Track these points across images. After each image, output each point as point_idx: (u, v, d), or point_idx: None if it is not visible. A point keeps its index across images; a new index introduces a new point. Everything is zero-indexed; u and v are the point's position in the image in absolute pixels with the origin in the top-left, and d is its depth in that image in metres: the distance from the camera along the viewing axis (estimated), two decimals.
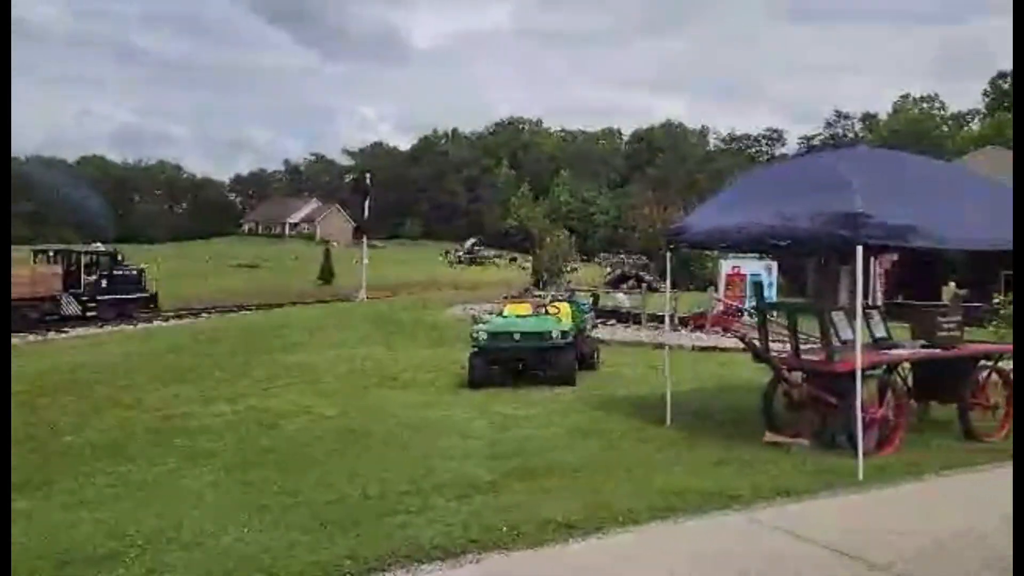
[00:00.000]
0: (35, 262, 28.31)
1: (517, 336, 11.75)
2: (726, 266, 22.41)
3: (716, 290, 22.50)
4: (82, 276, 28.26)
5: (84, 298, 27.81)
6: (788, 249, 9.27)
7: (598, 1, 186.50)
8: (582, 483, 6.39)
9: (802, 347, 8.20)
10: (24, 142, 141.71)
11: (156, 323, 27.83)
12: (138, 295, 30.07)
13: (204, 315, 30.71)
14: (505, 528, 5.13)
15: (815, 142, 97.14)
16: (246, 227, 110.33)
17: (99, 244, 31.82)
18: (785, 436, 7.70)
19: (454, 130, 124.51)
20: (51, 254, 29.19)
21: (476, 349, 11.76)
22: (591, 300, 19.21)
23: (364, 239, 45.92)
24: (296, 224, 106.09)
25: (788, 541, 5.18)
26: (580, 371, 12.04)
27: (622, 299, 23.96)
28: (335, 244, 71.77)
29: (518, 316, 12.67)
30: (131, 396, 11.03)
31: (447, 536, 5.04)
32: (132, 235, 73.50)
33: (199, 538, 5.10)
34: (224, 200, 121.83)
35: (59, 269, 27.73)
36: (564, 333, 11.79)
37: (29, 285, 25.64)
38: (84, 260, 28.81)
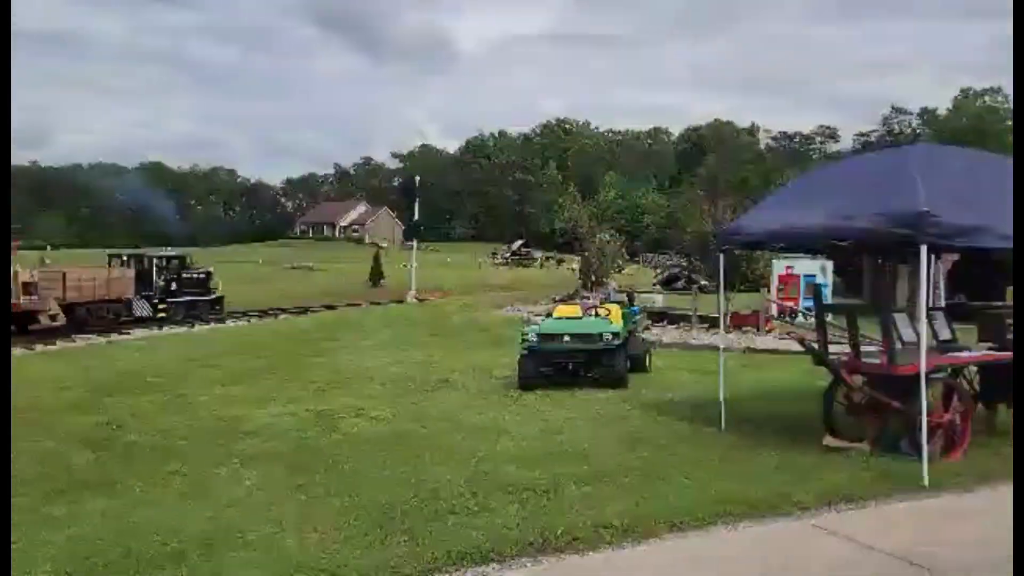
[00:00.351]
0: (110, 266, 29.31)
1: (567, 338, 11.68)
2: (779, 267, 22.01)
3: (768, 291, 22.10)
4: (153, 279, 29.20)
5: (155, 300, 28.75)
6: (846, 249, 9.07)
7: (642, 3, 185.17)
8: (637, 487, 6.33)
9: (862, 349, 8.00)
10: (87, 150, 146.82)
11: (213, 325, 28.49)
12: (206, 297, 31.00)
13: (258, 317, 31.33)
14: (561, 531, 5.12)
15: (871, 139, 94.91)
16: (298, 230, 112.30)
17: (170, 248, 32.81)
18: (845, 441, 7.51)
19: (501, 132, 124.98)
20: (124, 258, 30.23)
21: (526, 351, 11.73)
22: (626, 300, 19.01)
23: (413, 241, 46.42)
24: (347, 227, 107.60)
25: (851, 548, 5.05)
26: (631, 373, 11.92)
27: (657, 299, 23.65)
28: (384, 246, 72.55)
29: (568, 318, 12.62)
30: (188, 397, 11.26)
31: (504, 538, 5.05)
32: (190, 239, 75.39)
33: (259, 539, 5.20)
34: (276, 204, 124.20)
35: (132, 272, 28.67)
36: (615, 335, 11.69)
37: (104, 287, 26.57)
38: (155, 264, 29.79)
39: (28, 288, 23.26)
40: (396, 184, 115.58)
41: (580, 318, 12.54)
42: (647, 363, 13.15)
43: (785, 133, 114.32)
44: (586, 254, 34.51)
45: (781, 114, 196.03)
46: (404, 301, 37.26)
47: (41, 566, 4.72)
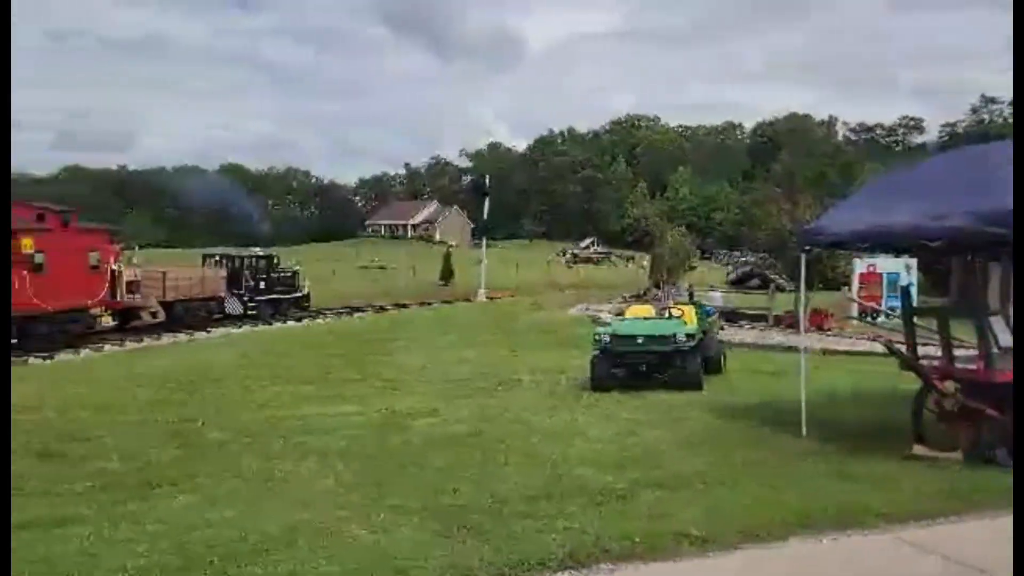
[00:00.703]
0: (204, 266, 30.53)
1: (640, 339, 11.53)
2: (860, 265, 21.30)
3: (849, 290, 21.40)
4: (244, 278, 30.27)
5: (245, 298, 29.79)
6: (933, 248, 8.67)
7: None
8: (714, 493, 6.19)
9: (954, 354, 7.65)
10: (170, 152, 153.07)
11: (291, 323, 29.25)
12: (293, 295, 31.97)
13: (332, 316, 32.01)
14: (639, 538, 5.03)
15: (959, 130, 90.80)
16: (370, 229, 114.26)
17: (258, 249, 33.90)
18: (935, 450, 7.19)
19: (570, 129, 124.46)
20: (217, 258, 31.41)
21: (599, 352, 11.63)
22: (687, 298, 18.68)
23: (483, 240, 46.63)
24: (417, 226, 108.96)
25: (942, 565, 4.82)
26: (706, 375, 11.71)
27: (716, 298, 23.15)
28: (454, 245, 73.13)
29: (641, 318, 12.47)
30: (263, 395, 11.55)
31: (580, 544, 4.99)
32: (268, 239, 77.47)
33: (336, 537, 5.25)
34: (349, 203, 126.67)
35: (224, 272, 29.79)
36: (689, 336, 11.49)
37: (199, 286, 27.72)
38: (245, 263, 30.87)
39: (131, 287, 24.47)
40: (465, 183, 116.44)
41: (653, 319, 12.38)
42: (722, 364, 12.90)
43: (865, 125, 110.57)
44: (657, 252, 34.05)
45: (860, 106, 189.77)
46: (474, 300, 37.52)
47: (131, 560, 4.87)
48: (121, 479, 6.95)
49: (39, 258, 20.32)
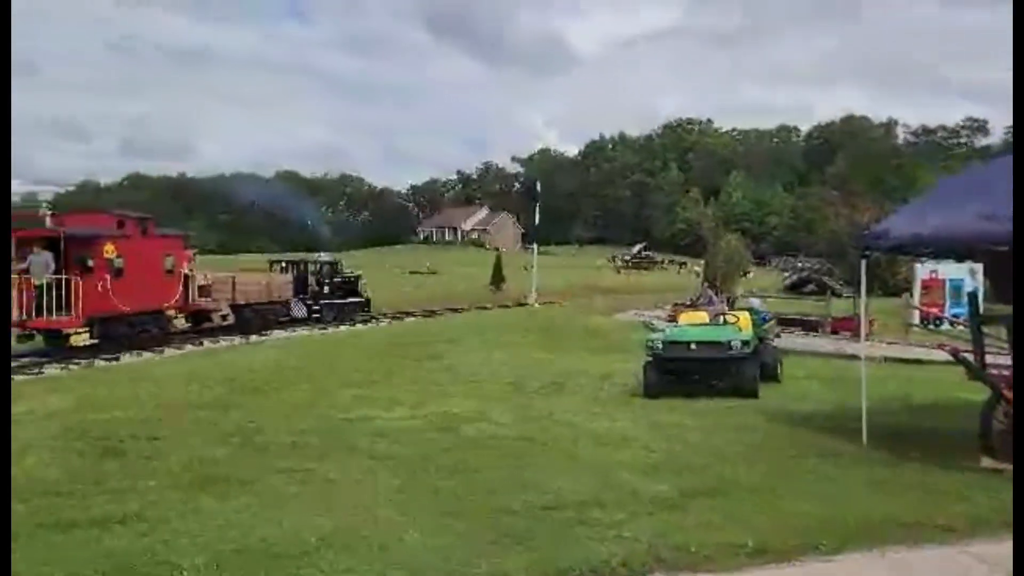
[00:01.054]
0: (271, 271, 31.25)
1: (694, 346, 11.39)
2: (922, 270, 20.70)
3: (911, 296, 20.81)
4: (309, 283, 30.89)
5: (310, 302, 30.40)
6: (1000, 253, 8.39)
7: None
8: (771, 504, 6.06)
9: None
10: (227, 160, 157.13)
11: (343, 327, 29.65)
12: (355, 300, 32.50)
13: (385, 320, 32.38)
14: (694, 549, 4.96)
15: None
16: (422, 234, 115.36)
17: (322, 254, 34.56)
18: (1004, 462, 6.92)
19: (621, 134, 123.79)
20: (283, 263, 32.11)
21: (651, 358, 11.51)
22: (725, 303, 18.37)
23: (534, 245, 46.67)
24: (468, 231, 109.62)
25: None
26: (761, 382, 11.49)
27: (756, 303, 22.72)
28: (504, 250, 73.34)
29: (694, 325, 12.31)
30: (316, 399, 11.66)
31: (632, 552, 4.93)
32: (323, 244, 78.74)
33: (383, 541, 5.27)
34: (401, 209, 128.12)
35: (290, 276, 30.46)
36: (744, 343, 11.30)
37: (267, 291, 28.42)
38: (311, 268, 31.52)
39: (203, 290, 25.27)
40: (516, 188, 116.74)
41: (707, 325, 12.21)
42: (778, 372, 12.65)
43: (926, 127, 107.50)
44: (710, 257, 33.62)
45: (921, 108, 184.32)
46: (525, 305, 37.56)
47: (185, 559, 4.96)
48: (177, 479, 7.06)
49: (119, 263, 21.11)
